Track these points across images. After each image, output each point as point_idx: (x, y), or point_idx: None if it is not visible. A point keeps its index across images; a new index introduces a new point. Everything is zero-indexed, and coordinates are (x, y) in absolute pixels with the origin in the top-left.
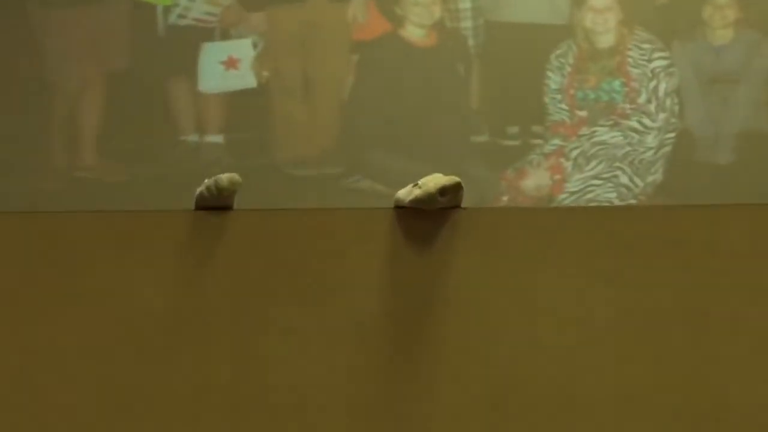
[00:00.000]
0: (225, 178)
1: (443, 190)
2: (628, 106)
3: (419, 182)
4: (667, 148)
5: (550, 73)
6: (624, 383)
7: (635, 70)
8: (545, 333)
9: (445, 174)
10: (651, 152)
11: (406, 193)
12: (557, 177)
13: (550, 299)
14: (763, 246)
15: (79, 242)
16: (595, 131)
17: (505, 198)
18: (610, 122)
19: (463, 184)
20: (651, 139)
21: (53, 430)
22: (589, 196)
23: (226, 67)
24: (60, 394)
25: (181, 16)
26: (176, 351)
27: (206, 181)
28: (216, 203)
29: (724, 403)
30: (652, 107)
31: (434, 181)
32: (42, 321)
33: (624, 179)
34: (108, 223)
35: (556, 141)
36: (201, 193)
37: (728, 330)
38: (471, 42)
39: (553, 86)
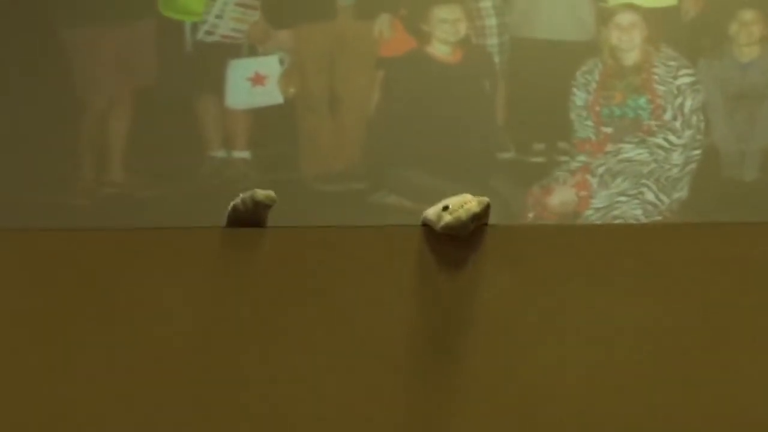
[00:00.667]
0: (261, 192)
1: (475, 217)
2: (653, 122)
3: (449, 206)
4: (693, 165)
5: (575, 90)
6: (651, 403)
7: (661, 87)
8: (572, 352)
9: (471, 191)
10: (677, 169)
11: (436, 217)
12: (583, 193)
13: (576, 317)
14: None
15: (107, 259)
16: (620, 148)
17: (531, 215)
18: (636, 139)
19: (489, 201)
20: (677, 156)
21: None
22: (615, 212)
23: (253, 83)
24: (89, 413)
25: (208, 33)
26: (205, 370)
27: (241, 195)
28: (249, 218)
29: (751, 424)
30: (677, 124)
31: (465, 207)
32: (69, 340)
33: (650, 196)
34: (136, 240)
35: (582, 158)
36: (235, 206)
37: (755, 349)
38: (497, 59)
39: (579, 103)
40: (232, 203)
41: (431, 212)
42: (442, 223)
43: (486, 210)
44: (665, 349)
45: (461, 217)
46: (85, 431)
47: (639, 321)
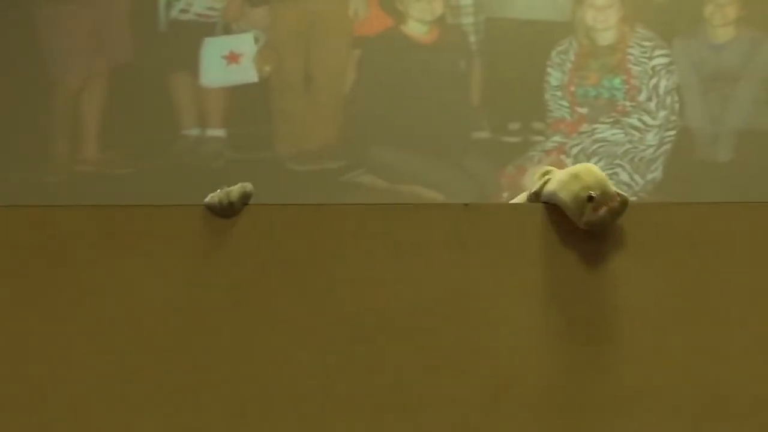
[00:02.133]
0: (237, 192)
1: (617, 217)
2: (628, 103)
3: (593, 196)
4: (667, 146)
5: (550, 70)
6: (620, 380)
7: (636, 68)
8: (544, 329)
9: (446, 171)
10: (651, 150)
11: (576, 205)
12: None
13: (548, 296)
14: (761, 243)
15: (81, 236)
16: (595, 128)
17: (505, 194)
18: (611, 119)
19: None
20: (651, 137)
21: (54, 425)
22: None
23: (228, 61)
24: (62, 388)
25: (183, 11)
26: (178, 346)
27: (218, 191)
28: (224, 214)
29: (721, 400)
30: (652, 105)
31: (611, 207)
32: (42, 315)
33: (624, 176)
34: (110, 217)
35: (557, 138)
36: (210, 205)
37: (727, 327)
38: (472, 38)
39: (554, 83)
40: (206, 200)
41: (565, 194)
42: (585, 219)
43: (627, 206)
44: (635, 327)
45: (605, 218)
46: (57, 407)
47: (609, 299)
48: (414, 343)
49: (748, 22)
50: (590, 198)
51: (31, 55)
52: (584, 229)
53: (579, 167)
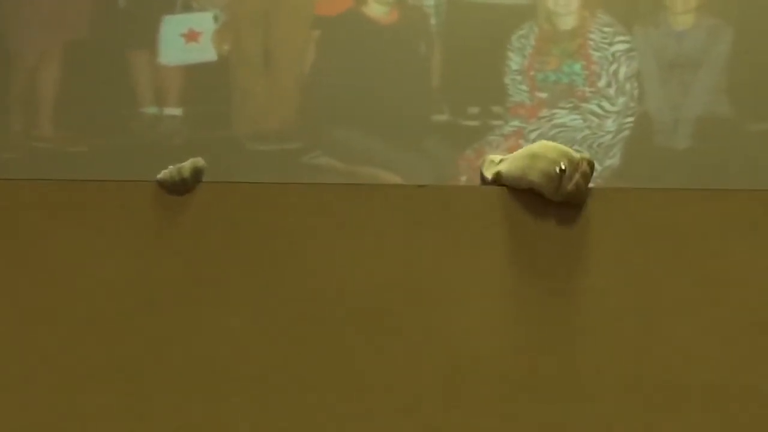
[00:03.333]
0: (188, 168)
1: (589, 179)
2: (588, 89)
3: (564, 168)
4: (626, 132)
5: (511, 54)
6: (576, 364)
7: (596, 53)
8: (497, 312)
9: (405, 153)
10: (610, 136)
11: (547, 180)
12: None
13: (502, 279)
14: (717, 230)
15: (35, 211)
16: (554, 113)
17: (463, 178)
18: (570, 105)
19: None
20: (610, 123)
21: (5, 403)
22: None
23: (187, 39)
24: (11, 365)
25: None
26: (129, 322)
27: (170, 167)
28: (177, 190)
29: (676, 386)
30: (611, 91)
31: (581, 171)
32: None
33: None
34: (65, 192)
35: (516, 122)
36: (161, 180)
37: (681, 312)
38: (433, 20)
39: (514, 67)
40: (158, 176)
41: (534, 175)
42: (561, 191)
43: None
44: (589, 310)
45: (580, 184)
46: (7, 383)
47: (568, 283)
48: (368, 324)
49: (708, 10)
50: (561, 170)
51: None
52: (559, 203)
53: (535, 146)
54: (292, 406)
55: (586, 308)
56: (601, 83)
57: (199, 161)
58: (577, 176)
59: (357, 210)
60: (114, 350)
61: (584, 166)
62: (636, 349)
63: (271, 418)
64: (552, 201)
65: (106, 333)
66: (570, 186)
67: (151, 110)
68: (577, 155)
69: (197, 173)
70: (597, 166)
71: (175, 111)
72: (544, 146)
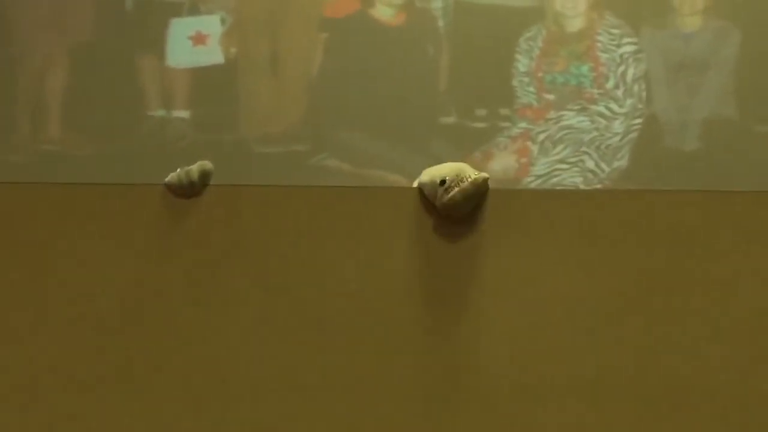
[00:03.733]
0: (196, 171)
1: (470, 197)
2: (595, 91)
3: (446, 180)
4: (634, 134)
5: (518, 56)
6: (582, 367)
7: (604, 55)
8: (503, 315)
9: (412, 155)
10: (617, 138)
11: (433, 191)
12: (523, 160)
13: (508, 282)
14: (725, 233)
15: (43, 215)
16: (562, 115)
17: None
18: (578, 107)
19: (488, 177)
20: (618, 125)
21: (8, 402)
22: (555, 180)
23: (194, 42)
24: (18, 369)
25: None
26: (135, 325)
27: (177, 170)
28: (185, 193)
29: (679, 388)
30: (619, 93)
31: (462, 186)
32: (2, 293)
33: (590, 164)
34: (72, 196)
35: (523, 124)
36: (169, 183)
37: (687, 315)
38: (440, 22)
39: (522, 69)
40: (166, 180)
41: (427, 182)
42: (438, 203)
43: (484, 186)
44: (598, 313)
45: (455, 198)
46: (11, 383)
47: (575, 285)
48: (374, 328)
49: (716, 12)
50: (442, 182)
51: None
52: (443, 214)
53: (449, 164)
54: (298, 409)
55: (590, 310)
56: (609, 85)
57: (207, 164)
58: (454, 191)
59: (364, 212)
60: (120, 353)
61: (466, 183)
62: (641, 351)
63: (278, 421)
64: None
65: (113, 336)
66: (445, 199)
67: (159, 113)
68: (470, 174)
69: (205, 176)
70: (605, 166)
71: (182, 113)
72: (453, 164)
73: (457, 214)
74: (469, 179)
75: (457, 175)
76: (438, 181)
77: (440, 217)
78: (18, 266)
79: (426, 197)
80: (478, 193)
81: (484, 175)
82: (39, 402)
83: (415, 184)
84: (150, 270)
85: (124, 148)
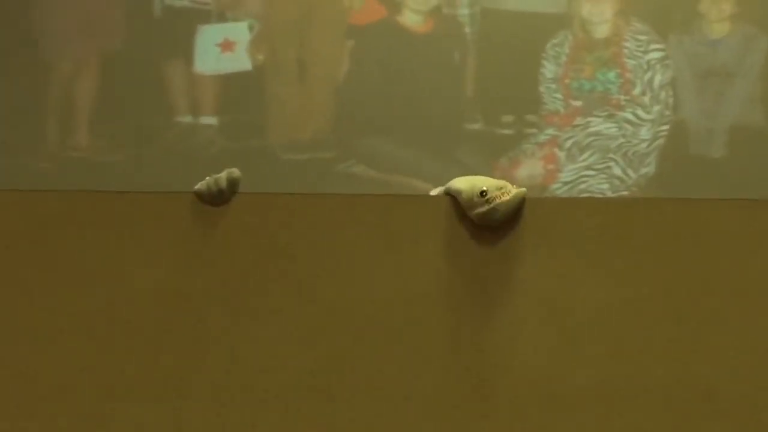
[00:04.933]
0: (225, 179)
1: (511, 211)
2: (622, 97)
3: (486, 191)
4: (661, 141)
5: (545, 62)
6: (610, 375)
7: (631, 62)
8: (532, 323)
9: (439, 162)
10: (644, 144)
11: (469, 199)
12: (550, 167)
13: (540, 288)
14: (753, 241)
15: (72, 222)
16: (589, 122)
17: None
18: (605, 113)
19: (526, 192)
20: (645, 131)
21: (41, 411)
22: (582, 186)
23: (222, 49)
24: (50, 375)
25: None
26: (165, 333)
27: (207, 178)
28: (213, 201)
29: (709, 397)
30: (646, 99)
31: (503, 199)
32: (33, 301)
33: (617, 171)
34: (101, 203)
35: (550, 131)
36: (198, 191)
37: (716, 323)
38: (467, 29)
39: (549, 75)
40: (195, 187)
41: (464, 190)
42: (475, 211)
43: (523, 201)
44: (626, 321)
45: (498, 209)
46: (44, 393)
47: (603, 293)
48: (403, 336)
49: (744, 18)
50: (482, 193)
51: (24, 39)
52: (477, 224)
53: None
54: (327, 416)
55: (620, 318)
56: (636, 91)
57: (235, 172)
58: (497, 202)
59: (392, 220)
60: (150, 360)
61: (508, 197)
62: (670, 359)
63: (306, 428)
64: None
65: (143, 344)
66: (484, 209)
67: (187, 119)
68: (510, 189)
69: (233, 184)
70: (632, 173)
71: (210, 120)
72: (488, 178)
73: (492, 224)
74: (511, 193)
75: (498, 189)
76: (478, 192)
77: (470, 226)
78: (47, 274)
79: (457, 205)
80: (518, 207)
81: (524, 190)
82: (72, 410)
83: (434, 192)
84: (179, 278)
85: (152, 154)
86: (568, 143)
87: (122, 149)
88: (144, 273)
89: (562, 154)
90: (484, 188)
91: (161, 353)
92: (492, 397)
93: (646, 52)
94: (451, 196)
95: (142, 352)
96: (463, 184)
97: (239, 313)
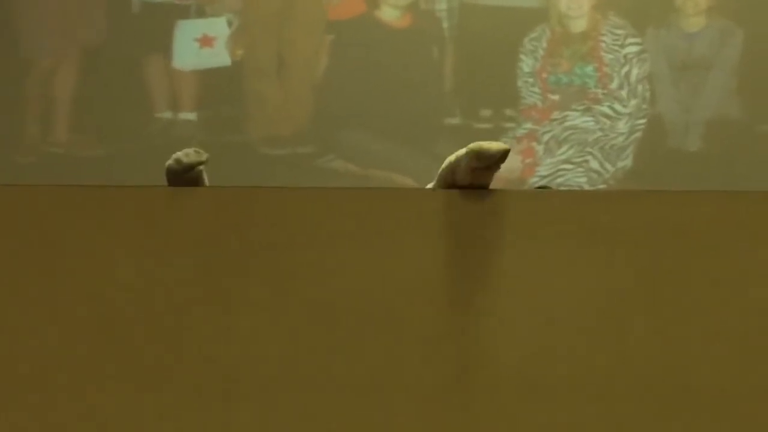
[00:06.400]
0: (190, 152)
1: (503, 156)
2: (600, 91)
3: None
4: (638, 134)
5: (523, 57)
6: (591, 366)
7: (608, 56)
8: (512, 314)
9: (418, 156)
10: (622, 138)
11: (456, 157)
12: (528, 161)
13: (517, 281)
14: (729, 233)
15: (50, 216)
16: (566, 116)
17: None
18: (582, 107)
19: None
20: (622, 125)
21: (21, 402)
22: (560, 180)
23: (201, 44)
24: (28, 367)
25: None
26: (144, 327)
27: (175, 154)
28: (183, 176)
29: (688, 388)
30: (623, 93)
31: (493, 143)
32: (12, 293)
33: (594, 164)
34: (79, 197)
35: (528, 125)
36: (169, 166)
37: (694, 314)
38: (445, 24)
39: (526, 69)
40: (167, 163)
41: (449, 160)
42: (462, 170)
43: (506, 152)
44: (601, 313)
45: (491, 148)
46: (24, 385)
47: (582, 285)
48: (384, 328)
49: (719, 12)
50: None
51: (3, 35)
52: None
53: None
54: (305, 407)
55: (599, 309)
56: (613, 85)
57: (200, 151)
58: (490, 145)
59: (370, 213)
60: (131, 354)
61: (496, 143)
62: (649, 350)
63: (288, 421)
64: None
65: (121, 336)
66: (478, 147)
67: (166, 115)
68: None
69: (198, 156)
70: (609, 166)
71: (189, 115)
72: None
73: (481, 179)
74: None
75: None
76: (462, 153)
77: (451, 219)
78: (25, 268)
79: (437, 198)
80: (503, 154)
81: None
82: (48, 401)
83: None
84: (159, 271)
85: (132, 150)
86: (546, 137)
87: (102, 144)
88: (123, 266)
89: (540, 148)
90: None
91: (142, 346)
92: (473, 388)
93: (623, 46)
94: (440, 185)
95: (122, 345)
96: (451, 156)
97: (220, 306)
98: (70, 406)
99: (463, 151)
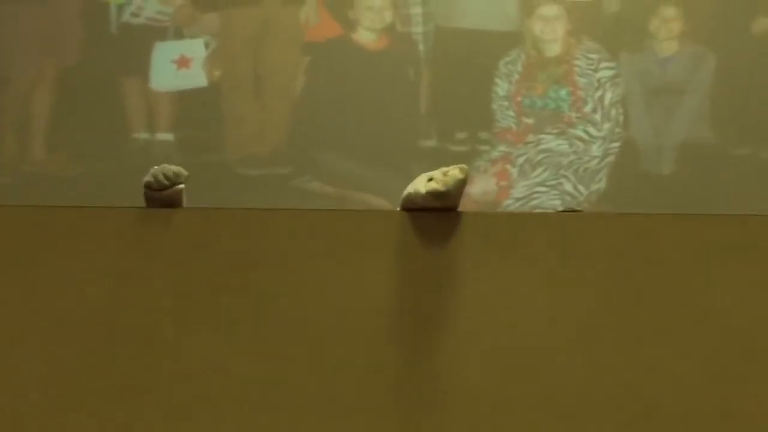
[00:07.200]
0: (171, 168)
1: (460, 184)
2: (574, 114)
3: (433, 178)
4: (611, 158)
5: (498, 80)
6: (560, 385)
7: (582, 79)
8: (483, 334)
9: (394, 178)
10: (595, 161)
11: (421, 186)
12: (503, 183)
13: (488, 301)
14: (699, 254)
15: (24, 236)
16: (541, 139)
17: None
18: (557, 130)
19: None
20: (596, 148)
21: None
22: (534, 202)
23: (178, 66)
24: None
25: (134, 15)
26: (119, 346)
27: (154, 168)
28: (161, 194)
29: (655, 407)
30: (597, 116)
31: (450, 173)
32: None
33: (568, 187)
34: (54, 217)
35: (503, 147)
36: (148, 183)
37: (662, 334)
38: (421, 47)
39: (501, 93)
40: (144, 179)
41: (411, 187)
42: (427, 188)
43: (465, 179)
44: (572, 333)
45: (448, 183)
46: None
47: (553, 305)
48: (355, 347)
49: (692, 37)
50: (430, 179)
51: None
52: (431, 203)
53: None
54: (281, 426)
55: (568, 329)
56: (587, 109)
57: (181, 169)
58: (446, 178)
59: (345, 235)
60: (102, 373)
61: (455, 171)
62: (617, 369)
63: None
64: None
65: (94, 356)
66: (435, 184)
67: (143, 135)
68: (454, 167)
69: (179, 174)
70: (583, 189)
71: (166, 136)
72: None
73: (445, 202)
74: (455, 169)
75: (443, 173)
76: (426, 180)
77: (422, 239)
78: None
79: (408, 219)
80: (462, 182)
81: (465, 167)
82: (18, 421)
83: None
84: (133, 291)
85: (109, 170)
86: (521, 160)
87: (79, 164)
88: (97, 286)
89: (514, 171)
90: (430, 176)
91: (113, 365)
92: (443, 407)
93: (597, 70)
94: (406, 208)
95: (93, 364)
96: (411, 186)
97: (192, 325)
98: (39, 428)
99: (420, 185)
